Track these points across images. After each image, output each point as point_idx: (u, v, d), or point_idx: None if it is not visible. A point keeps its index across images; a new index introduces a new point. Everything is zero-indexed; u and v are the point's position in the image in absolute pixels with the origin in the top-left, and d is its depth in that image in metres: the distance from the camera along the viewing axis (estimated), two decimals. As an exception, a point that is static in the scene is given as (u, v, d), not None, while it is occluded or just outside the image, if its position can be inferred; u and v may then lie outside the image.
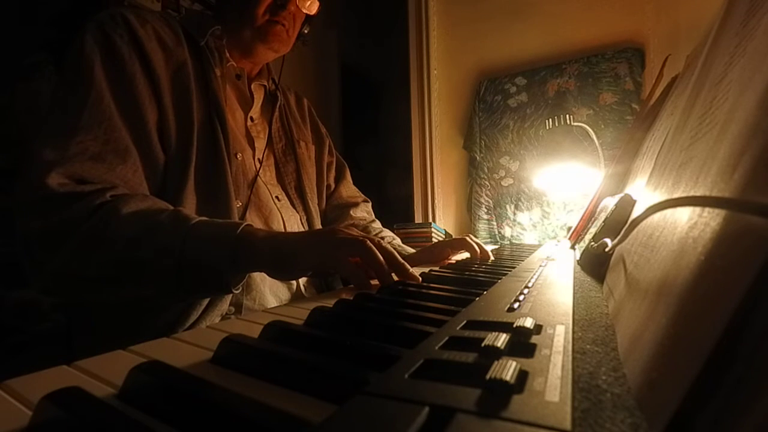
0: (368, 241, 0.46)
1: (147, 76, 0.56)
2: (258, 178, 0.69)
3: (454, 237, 1.09)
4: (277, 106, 0.79)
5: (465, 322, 0.24)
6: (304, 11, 0.70)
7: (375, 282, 0.46)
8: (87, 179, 0.48)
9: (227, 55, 0.68)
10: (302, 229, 0.76)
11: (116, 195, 0.48)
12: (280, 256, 0.46)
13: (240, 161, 0.67)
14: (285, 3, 0.66)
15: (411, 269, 0.47)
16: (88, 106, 0.50)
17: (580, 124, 1.27)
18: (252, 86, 0.75)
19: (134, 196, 0.50)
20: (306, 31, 0.76)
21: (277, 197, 0.72)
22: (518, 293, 0.32)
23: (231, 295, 0.59)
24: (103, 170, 0.50)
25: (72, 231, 0.46)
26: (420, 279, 0.47)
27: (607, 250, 0.38)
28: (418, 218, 1.75)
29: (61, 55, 1.10)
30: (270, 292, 0.65)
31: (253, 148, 0.72)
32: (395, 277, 0.47)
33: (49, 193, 0.45)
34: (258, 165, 0.71)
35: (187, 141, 0.58)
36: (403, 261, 0.47)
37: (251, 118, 0.74)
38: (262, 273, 0.63)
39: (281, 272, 0.49)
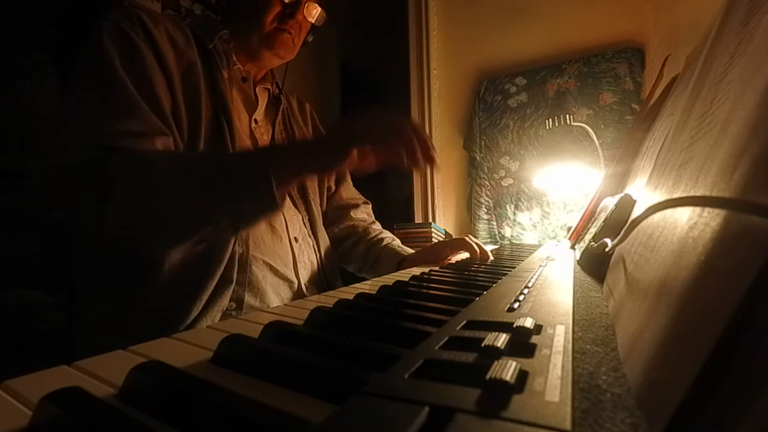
0: (400, 124, 0.49)
1: (162, 72, 0.58)
2: None
3: (453, 237, 1.09)
4: (281, 109, 0.80)
5: (465, 322, 0.24)
6: (311, 21, 0.72)
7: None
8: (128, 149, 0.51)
9: (234, 58, 0.70)
10: (305, 230, 0.77)
11: (144, 149, 0.52)
12: (318, 142, 0.51)
13: None
14: (293, 12, 0.69)
15: (433, 149, 0.50)
16: (117, 98, 0.53)
17: (580, 124, 1.27)
18: (257, 89, 0.76)
19: (161, 150, 0.53)
20: (309, 40, 0.78)
21: None
22: (518, 293, 0.32)
23: (232, 291, 0.59)
24: (147, 143, 0.52)
25: (111, 184, 0.48)
26: (436, 161, 0.51)
27: (607, 250, 0.38)
28: (418, 218, 1.75)
29: (61, 54, 1.10)
30: (271, 290, 0.66)
31: None
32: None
33: (85, 159, 0.48)
34: None
35: (195, 136, 0.60)
36: (430, 144, 0.50)
37: (255, 120, 0.75)
38: (265, 268, 0.64)
39: (324, 159, 0.50)
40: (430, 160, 0.50)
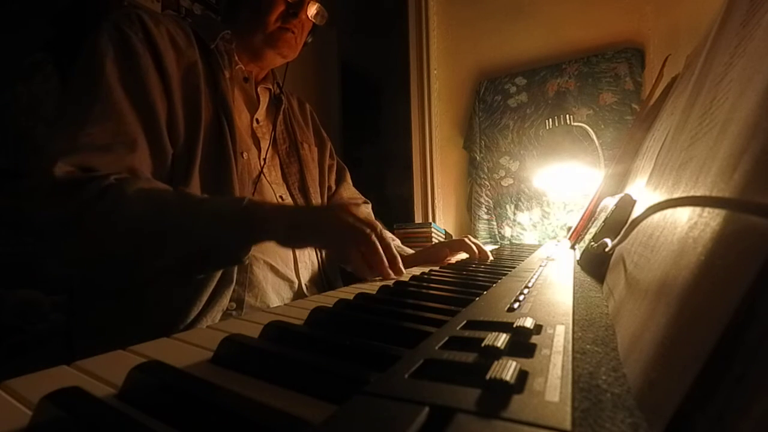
0: (372, 236, 0.49)
1: (159, 72, 0.58)
2: (262, 176, 0.70)
3: (453, 237, 1.09)
4: (282, 109, 0.80)
5: (465, 322, 0.24)
6: (314, 20, 0.73)
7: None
8: (94, 168, 0.50)
9: (236, 58, 0.70)
10: None
11: (120, 178, 0.50)
12: (291, 228, 0.48)
13: (246, 160, 0.68)
14: (297, 12, 0.69)
15: (401, 264, 0.52)
16: (99, 100, 0.52)
17: (580, 124, 1.27)
18: (258, 89, 0.76)
19: (138, 179, 0.51)
20: (309, 40, 0.79)
21: (281, 196, 0.73)
22: (518, 293, 0.32)
23: (232, 290, 0.60)
24: (111, 160, 0.51)
25: (81, 215, 0.47)
26: (403, 273, 0.52)
27: (607, 250, 0.38)
28: (418, 218, 1.75)
29: (61, 54, 1.10)
30: (272, 290, 0.66)
31: (259, 149, 0.73)
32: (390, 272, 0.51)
33: (55, 182, 0.47)
34: (262, 164, 0.72)
35: (194, 137, 0.60)
36: (396, 254, 0.51)
37: (257, 120, 0.75)
38: (266, 268, 0.64)
39: (292, 242, 0.51)
40: (397, 272, 0.51)
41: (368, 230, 0.49)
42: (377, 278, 0.51)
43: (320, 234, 0.49)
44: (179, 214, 0.48)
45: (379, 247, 0.49)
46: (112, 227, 0.48)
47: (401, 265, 0.52)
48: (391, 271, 0.50)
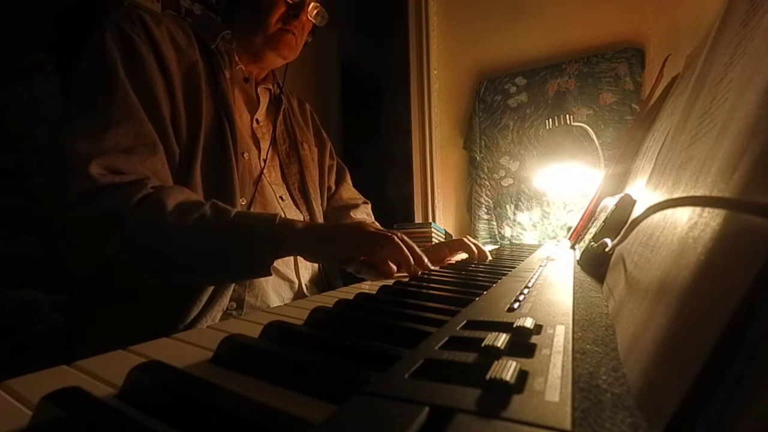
0: (396, 238, 0.54)
1: (162, 72, 0.58)
2: (263, 177, 0.70)
3: (453, 237, 1.09)
4: (282, 109, 0.80)
5: (465, 322, 0.24)
6: (314, 21, 0.73)
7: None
8: (122, 170, 0.51)
9: (236, 58, 0.70)
10: None
11: (155, 187, 0.51)
12: (320, 241, 0.53)
13: (246, 160, 0.68)
14: (297, 13, 0.69)
15: (427, 260, 0.56)
16: (116, 103, 0.53)
17: (580, 124, 1.27)
18: (258, 89, 0.76)
19: (171, 188, 0.53)
20: (309, 40, 0.79)
21: (281, 197, 0.73)
22: (518, 293, 0.32)
23: (232, 290, 0.60)
24: (136, 162, 0.52)
25: (118, 221, 0.48)
26: (431, 266, 0.56)
27: (607, 250, 0.38)
28: (418, 218, 1.75)
29: (61, 54, 1.10)
30: (272, 290, 0.66)
31: (259, 149, 0.73)
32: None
33: (90, 183, 0.48)
34: (263, 165, 0.72)
35: (195, 137, 0.60)
36: (421, 254, 0.55)
37: (257, 120, 0.75)
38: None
39: (320, 256, 0.56)
40: (420, 265, 0.55)
41: (391, 234, 0.54)
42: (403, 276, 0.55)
43: (348, 242, 0.54)
44: (213, 227, 0.50)
45: (404, 249, 0.53)
46: (149, 235, 0.49)
47: (428, 262, 0.55)
48: (418, 268, 0.54)
